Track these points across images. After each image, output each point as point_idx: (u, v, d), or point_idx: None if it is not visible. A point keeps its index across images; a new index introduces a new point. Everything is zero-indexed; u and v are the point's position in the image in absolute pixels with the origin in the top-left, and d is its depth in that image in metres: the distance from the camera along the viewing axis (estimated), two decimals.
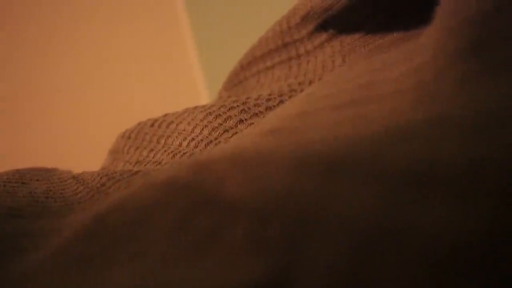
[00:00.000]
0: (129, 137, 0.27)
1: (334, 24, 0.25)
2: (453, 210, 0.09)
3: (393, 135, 0.11)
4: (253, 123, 0.23)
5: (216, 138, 0.22)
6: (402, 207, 0.09)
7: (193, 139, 0.23)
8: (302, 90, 0.25)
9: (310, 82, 0.26)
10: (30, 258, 0.13)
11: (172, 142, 0.24)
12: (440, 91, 0.12)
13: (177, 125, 0.25)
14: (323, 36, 0.26)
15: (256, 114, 0.23)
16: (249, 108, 0.23)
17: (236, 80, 0.31)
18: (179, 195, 0.12)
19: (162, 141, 0.25)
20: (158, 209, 0.12)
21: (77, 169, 0.25)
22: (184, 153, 0.23)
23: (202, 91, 0.74)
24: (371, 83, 0.15)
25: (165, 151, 0.24)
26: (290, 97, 0.24)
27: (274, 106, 0.24)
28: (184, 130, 0.24)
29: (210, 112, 0.24)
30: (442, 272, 0.08)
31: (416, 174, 0.10)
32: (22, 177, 0.21)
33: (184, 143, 0.23)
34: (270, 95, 0.25)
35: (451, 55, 0.13)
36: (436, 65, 0.13)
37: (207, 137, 0.23)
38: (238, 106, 0.24)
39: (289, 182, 0.11)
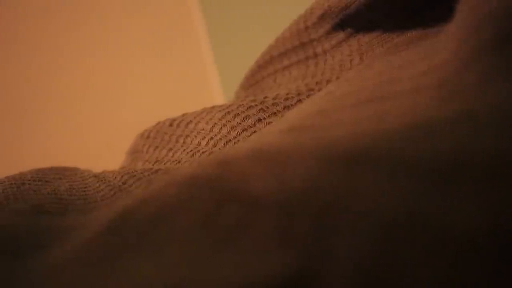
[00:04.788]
0: (148, 137, 0.27)
1: (351, 23, 0.25)
2: (484, 201, 0.09)
3: (418, 130, 0.11)
4: (271, 122, 0.23)
5: (234, 137, 0.23)
6: (431, 198, 0.09)
7: (211, 138, 0.23)
8: (319, 90, 0.25)
9: (328, 82, 0.26)
10: (56, 252, 0.13)
11: (191, 141, 0.24)
12: (464, 86, 0.12)
13: (195, 124, 0.25)
14: (341, 35, 0.26)
15: (274, 113, 0.23)
16: (267, 107, 0.23)
17: (253, 79, 0.31)
18: (203, 191, 0.12)
19: (181, 140, 0.25)
20: (183, 204, 0.12)
21: (92, 169, 0.25)
22: (203, 152, 0.23)
23: (216, 91, 0.75)
24: (392, 80, 0.15)
25: (184, 150, 0.24)
26: (308, 96, 0.24)
27: (292, 105, 0.24)
28: (203, 129, 0.24)
29: (228, 111, 0.24)
30: (472, 262, 0.08)
31: (444, 167, 0.10)
32: (45, 175, 0.21)
33: (203, 142, 0.24)
34: (288, 94, 0.25)
35: (473, 50, 0.13)
36: (458, 61, 0.13)
37: (225, 136, 0.23)
38: (256, 105, 0.24)
39: (313, 176, 0.11)
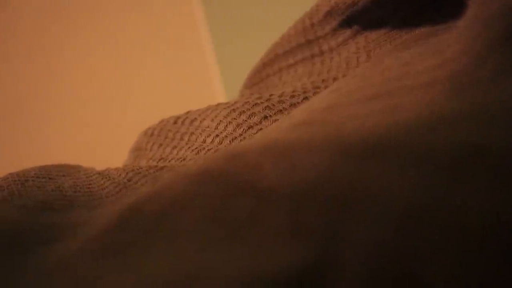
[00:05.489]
0: (152, 134, 0.27)
1: (358, 20, 0.25)
2: (487, 200, 0.09)
3: (428, 123, 0.11)
4: (277, 120, 0.23)
5: (240, 135, 0.22)
6: (439, 192, 0.09)
7: (217, 135, 0.23)
8: (326, 87, 0.25)
9: (334, 79, 0.26)
10: (60, 249, 0.13)
11: (196, 139, 0.24)
12: (474, 81, 0.12)
13: (200, 122, 0.25)
14: (347, 32, 0.26)
15: (280, 110, 0.23)
16: (273, 105, 0.23)
17: (258, 78, 0.31)
18: (214, 184, 0.12)
19: (186, 138, 0.25)
20: (193, 198, 0.12)
21: (96, 168, 0.25)
22: (209, 150, 0.23)
23: (218, 91, 0.75)
24: (402, 75, 0.15)
25: (189, 147, 0.24)
26: (314, 94, 0.24)
27: (298, 103, 0.24)
28: (208, 126, 0.24)
29: (234, 109, 0.24)
30: (476, 262, 0.08)
31: (452, 161, 0.10)
32: (48, 172, 0.21)
33: (208, 140, 0.23)
34: (293, 92, 0.24)
35: (483, 47, 0.13)
36: (468, 57, 0.13)
37: (231, 133, 0.23)
38: (262, 102, 0.23)
39: (323, 168, 0.11)
